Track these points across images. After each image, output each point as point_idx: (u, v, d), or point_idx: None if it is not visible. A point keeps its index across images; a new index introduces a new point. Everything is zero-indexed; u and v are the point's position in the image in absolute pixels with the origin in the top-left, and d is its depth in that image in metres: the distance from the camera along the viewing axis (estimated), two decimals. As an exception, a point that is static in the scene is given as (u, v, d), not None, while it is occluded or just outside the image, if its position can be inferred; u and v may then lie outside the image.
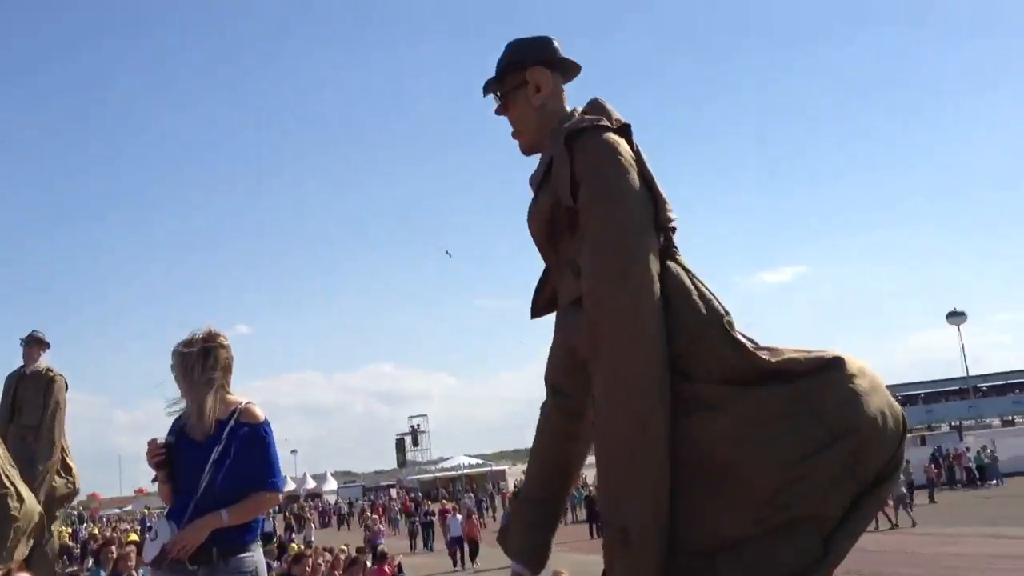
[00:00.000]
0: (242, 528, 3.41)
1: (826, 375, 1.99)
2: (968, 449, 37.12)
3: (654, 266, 2.07)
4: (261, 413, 3.50)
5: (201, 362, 3.46)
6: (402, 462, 60.65)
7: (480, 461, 63.12)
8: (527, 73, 2.36)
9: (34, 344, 7.04)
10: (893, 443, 2.01)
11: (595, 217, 2.09)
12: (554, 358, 2.38)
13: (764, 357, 2.03)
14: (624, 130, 2.23)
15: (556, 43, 2.43)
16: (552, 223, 2.23)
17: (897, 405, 2.07)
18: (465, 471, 58.21)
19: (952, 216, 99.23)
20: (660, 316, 2.03)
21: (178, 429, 3.49)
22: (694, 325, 2.06)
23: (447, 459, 63.00)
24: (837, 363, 2.01)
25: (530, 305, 2.45)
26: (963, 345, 57.91)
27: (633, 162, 2.15)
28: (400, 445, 59.30)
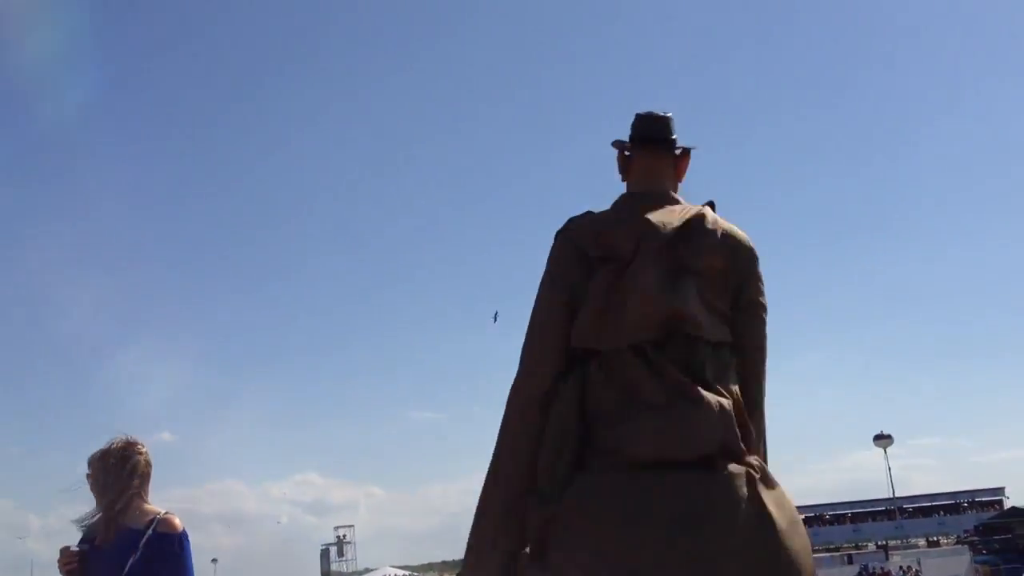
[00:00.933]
0: None
1: None
2: (899, 570, 37.40)
3: (531, 380, 2.23)
4: (179, 523, 3.44)
5: (117, 470, 3.41)
6: (326, 572, 59.07)
7: (407, 573, 61.79)
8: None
9: None
10: None
11: None
12: None
13: None
14: (568, 229, 2.36)
15: (640, 119, 2.54)
16: None
17: None
18: (390, 582, 56.84)
19: (880, 341, 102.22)
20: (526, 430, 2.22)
21: (92, 538, 3.42)
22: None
23: (373, 570, 61.62)
24: None
25: None
26: (889, 467, 58.94)
27: (557, 264, 2.32)
28: (325, 555, 57.88)
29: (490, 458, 2.28)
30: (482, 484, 2.26)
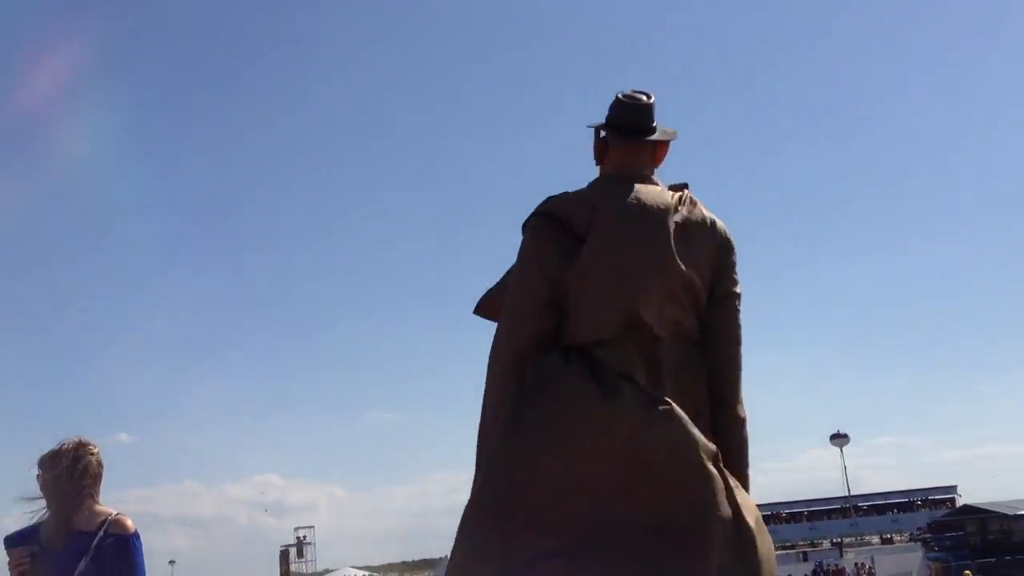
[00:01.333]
0: None
1: None
2: (854, 567, 37.95)
3: (504, 365, 2.27)
4: (131, 524, 3.44)
5: (69, 471, 3.40)
6: (286, 573, 58.40)
7: (367, 573, 61.37)
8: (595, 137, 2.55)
9: None
10: None
11: None
12: None
13: None
14: (549, 213, 2.33)
15: (616, 103, 2.50)
16: None
17: None
18: (351, 583, 56.46)
19: (836, 341, 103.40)
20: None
21: (41, 540, 3.40)
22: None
23: (333, 571, 61.08)
24: None
25: None
26: (845, 466, 59.71)
27: (534, 261, 2.31)
28: (284, 556, 57.19)
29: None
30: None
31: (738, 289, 2.38)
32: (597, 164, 2.50)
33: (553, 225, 2.30)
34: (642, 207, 2.28)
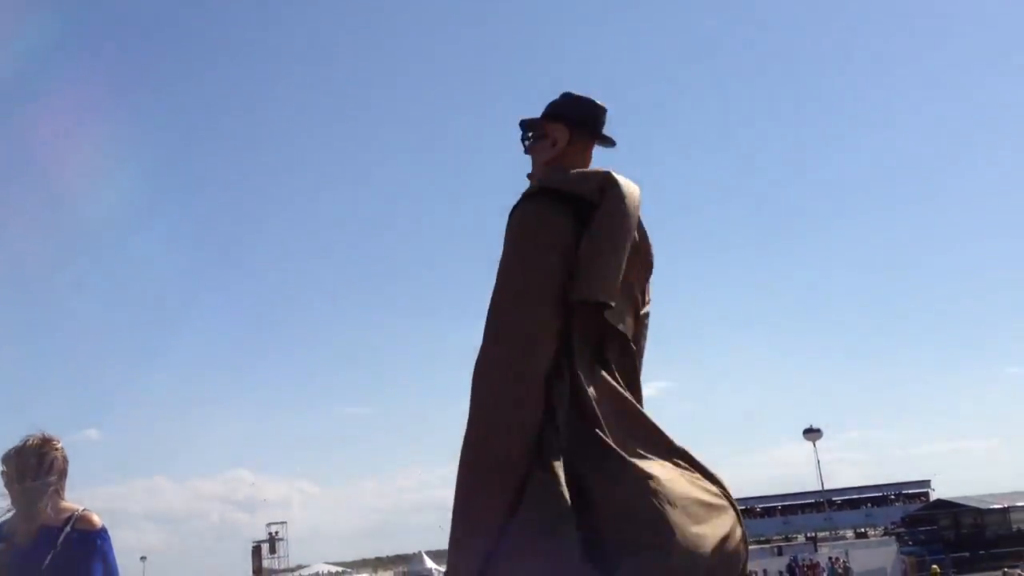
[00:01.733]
0: None
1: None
2: (828, 561, 37.98)
3: (517, 348, 2.03)
4: (98, 520, 3.43)
5: (35, 468, 3.36)
6: (258, 569, 58.09)
7: (340, 569, 61.22)
8: (546, 126, 2.42)
9: None
10: None
11: (496, 281, 2.11)
12: None
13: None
14: (568, 197, 2.18)
15: (602, 111, 2.47)
16: None
17: None
18: (324, 578, 56.14)
19: (810, 338, 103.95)
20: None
21: (6, 537, 3.35)
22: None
23: (305, 567, 60.86)
24: None
25: None
26: (819, 460, 59.93)
27: (547, 234, 2.11)
28: (256, 551, 56.84)
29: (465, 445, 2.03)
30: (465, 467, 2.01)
31: (650, 309, 2.40)
32: (552, 155, 2.41)
33: (560, 199, 2.18)
34: (635, 204, 2.25)
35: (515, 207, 2.18)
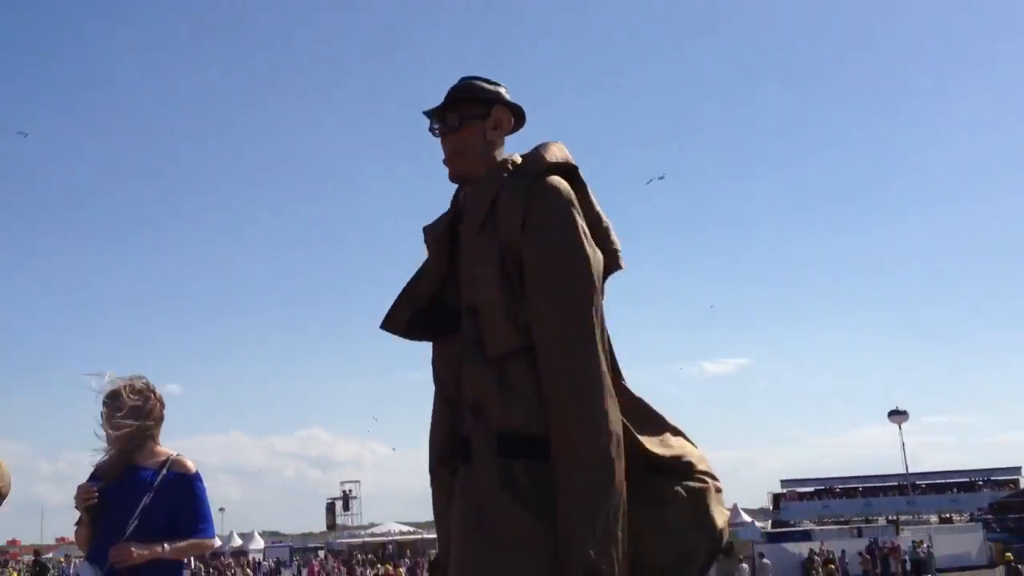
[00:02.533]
0: (173, 565, 3.47)
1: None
2: (910, 545, 36.88)
3: (600, 329, 2.08)
4: (192, 465, 3.55)
5: (135, 408, 3.47)
6: (332, 525, 59.32)
7: (411, 528, 61.99)
8: (493, 108, 2.34)
9: None
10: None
11: (551, 265, 2.07)
12: (438, 420, 2.31)
13: (657, 453, 2.15)
14: (573, 172, 2.23)
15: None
16: (502, 264, 2.13)
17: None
18: (396, 537, 57.43)
19: (897, 320, 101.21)
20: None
21: (102, 475, 3.48)
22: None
23: (378, 525, 61.80)
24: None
25: (387, 317, 2.35)
26: (903, 443, 58.29)
27: (581, 217, 2.14)
28: (331, 508, 57.97)
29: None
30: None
31: None
32: (497, 139, 2.36)
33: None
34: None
35: (544, 185, 2.14)
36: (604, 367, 2.03)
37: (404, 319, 2.34)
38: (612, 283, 2.27)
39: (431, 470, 2.33)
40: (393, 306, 2.35)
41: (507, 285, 2.11)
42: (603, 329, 2.09)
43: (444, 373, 2.27)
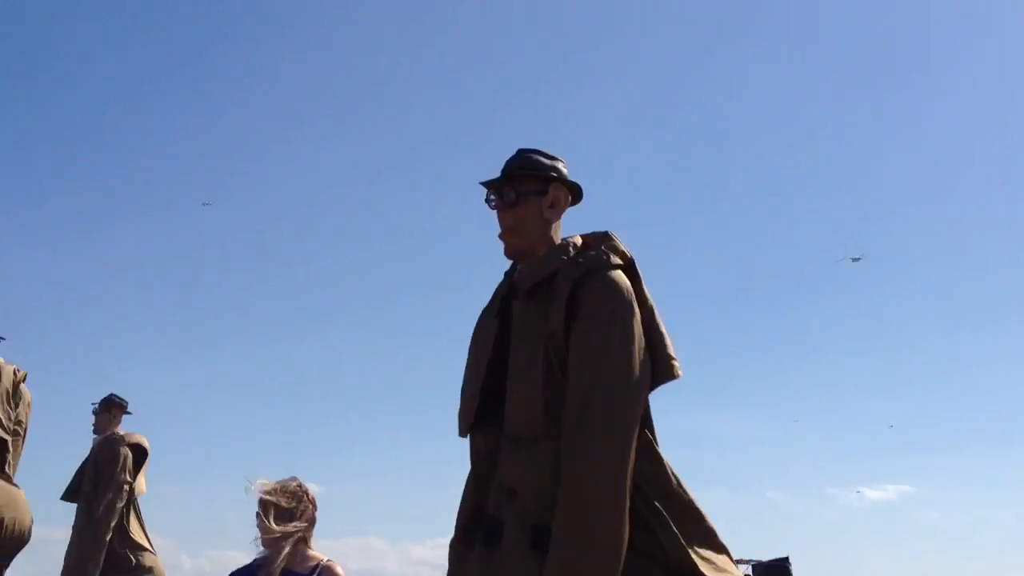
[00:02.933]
0: None
1: None
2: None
3: (634, 438, 2.01)
4: (342, 572, 3.53)
5: (290, 511, 3.48)
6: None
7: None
8: (551, 186, 2.28)
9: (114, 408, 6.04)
10: None
11: (595, 360, 2.02)
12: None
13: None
14: (631, 267, 2.21)
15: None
16: (546, 350, 2.10)
17: None
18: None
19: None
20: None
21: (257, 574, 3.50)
22: None
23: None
24: None
25: (464, 419, 2.29)
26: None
27: (637, 312, 2.11)
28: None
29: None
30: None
31: None
32: (552, 222, 2.31)
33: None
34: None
35: (605, 279, 2.12)
36: (625, 484, 1.94)
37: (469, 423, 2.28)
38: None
39: (452, 544, 2.32)
40: (464, 411, 2.30)
41: (549, 371, 2.08)
42: (635, 440, 1.99)
43: (482, 450, 2.23)
